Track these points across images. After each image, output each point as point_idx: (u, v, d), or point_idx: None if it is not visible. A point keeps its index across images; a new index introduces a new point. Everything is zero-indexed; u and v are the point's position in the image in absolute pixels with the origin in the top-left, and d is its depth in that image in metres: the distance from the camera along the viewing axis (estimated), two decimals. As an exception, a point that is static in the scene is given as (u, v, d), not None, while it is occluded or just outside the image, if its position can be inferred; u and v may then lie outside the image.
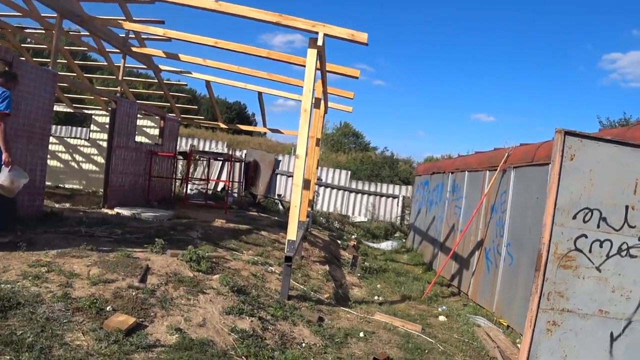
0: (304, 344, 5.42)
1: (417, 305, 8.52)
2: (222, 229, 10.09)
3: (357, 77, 8.77)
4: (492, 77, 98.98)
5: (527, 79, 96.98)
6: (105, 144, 15.60)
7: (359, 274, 10.20)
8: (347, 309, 7.34)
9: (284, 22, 6.69)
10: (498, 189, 8.90)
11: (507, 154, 8.64)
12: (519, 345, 6.47)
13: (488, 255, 8.99)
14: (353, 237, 16.62)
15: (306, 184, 10.14)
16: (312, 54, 6.79)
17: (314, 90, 6.92)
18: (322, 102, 10.21)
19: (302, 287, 7.76)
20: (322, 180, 20.44)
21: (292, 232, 6.78)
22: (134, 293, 5.10)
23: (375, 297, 8.62)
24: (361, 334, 6.23)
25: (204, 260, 6.65)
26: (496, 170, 8.87)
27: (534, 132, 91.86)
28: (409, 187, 21.52)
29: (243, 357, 4.51)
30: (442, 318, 7.84)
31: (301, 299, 7.09)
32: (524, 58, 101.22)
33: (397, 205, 20.96)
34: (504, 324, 7.65)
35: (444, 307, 8.51)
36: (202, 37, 9.12)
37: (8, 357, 3.50)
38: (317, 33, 6.69)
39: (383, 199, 21.03)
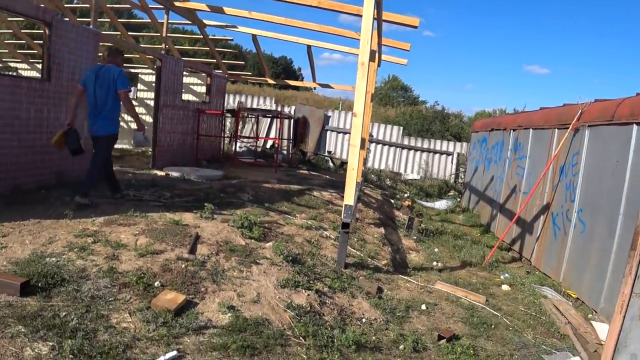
0: (364, 319, 5.01)
1: (478, 272, 8.03)
2: (273, 189, 9.72)
3: (416, 27, 8.03)
4: (547, 26, 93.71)
5: (584, 28, 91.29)
6: (152, 103, 15.45)
7: (415, 237, 9.73)
8: (406, 277, 6.91)
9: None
10: (569, 149, 8.13)
11: (580, 111, 7.80)
12: (592, 321, 5.89)
13: (555, 220, 8.32)
14: (406, 195, 16.04)
15: (362, 143, 9.60)
16: (369, 1, 6.14)
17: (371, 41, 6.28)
18: (377, 54, 9.51)
19: (358, 253, 7.34)
20: (373, 136, 19.76)
21: (350, 196, 6.29)
22: (183, 265, 4.77)
23: (434, 263, 8.18)
24: (423, 307, 5.78)
25: (256, 227, 6.28)
26: (567, 128, 8.09)
27: (591, 84, 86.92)
28: (464, 144, 20.57)
29: (301, 337, 4.12)
30: (505, 287, 7.32)
31: (358, 267, 6.69)
32: (581, 6, 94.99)
33: (451, 162, 20.12)
34: (573, 295, 7.04)
35: (506, 275, 7.99)
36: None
37: (51, 344, 3.21)
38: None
39: (436, 155, 20.21)
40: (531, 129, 10.13)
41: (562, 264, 7.67)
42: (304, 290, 5.00)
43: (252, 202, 8.18)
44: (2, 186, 6.87)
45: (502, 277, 7.88)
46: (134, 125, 16.18)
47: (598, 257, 6.58)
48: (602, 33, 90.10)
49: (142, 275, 4.37)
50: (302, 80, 60.44)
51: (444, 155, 20.17)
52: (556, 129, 8.77)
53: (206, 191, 8.41)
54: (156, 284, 4.32)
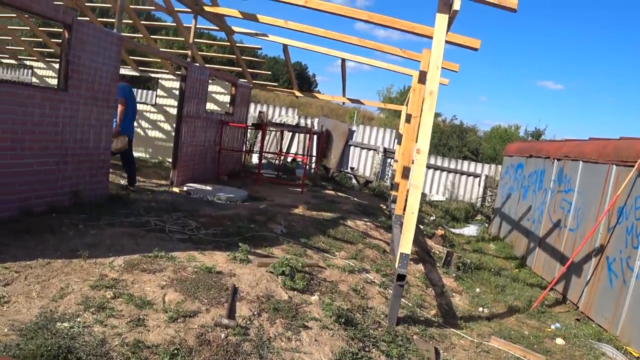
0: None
1: (527, 320, 7.28)
2: (304, 218, 8.85)
3: (477, 49, 7.16)
4: (561, 43, 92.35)
5: (599, 45, 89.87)
6: (172, 110, 14.63)
7: (454, 275, 8.95)
8: (457, 331, 6.12)
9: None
10: (631, 190, 7.25)
11: (647, 149, 6.93)
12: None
13: (611, 266, 7.45)
14: (432, 218, 15.18)
15: (405, 173, 8.75)
16: (442, 20, 5.28)
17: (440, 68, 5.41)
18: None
19: (406, 302, 6.48)
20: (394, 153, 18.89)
21: (407, 245, 5.41)
22: (223, 335, 3.89)
23: (480, 309, 7.45)
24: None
25: (299, 274, 5.41)
26: (627, 166, 7.27)
27: (605, 104, 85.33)
28: (492, 166, 19.66)
29: None
30: (559, 341, 6.56)
31: (409, 321, 5.84)
32: (599, 21, 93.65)
33: (479, 185, 19.19)
34: (634, 354, 6.24)
35: (557, 325, 7.24)
36: (291, -5, 7.70)
37: None
38: (452, -6, 5.15)
39: (463, 177, 19.27)
40: (581, 161, 9.26)
41: (620, 317, 6.84)
42: (363, 366, 4.12)
43: (286, 236, 7.32)
44: (11, 209, 6.04)
45: (552, 326, 7.16)
46: (140, 131, 15.43)
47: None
48: (617, 50, 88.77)
49: (176, 351, 3.50)
50: (316, 87, 59.87)
51: (471, 177, 19.25)
52: (614, 165, 7.91)
53: (233, 219, 7.57)
54: (193, 365, 3.45)
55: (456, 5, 5.08)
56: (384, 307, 5.85)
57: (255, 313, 4.43)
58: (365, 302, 5.80)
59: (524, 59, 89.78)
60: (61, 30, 6.92)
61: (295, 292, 5.18)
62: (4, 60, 16.25)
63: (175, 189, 9.86)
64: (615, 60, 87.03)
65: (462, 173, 19.28)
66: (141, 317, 3.92)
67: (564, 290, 8.74)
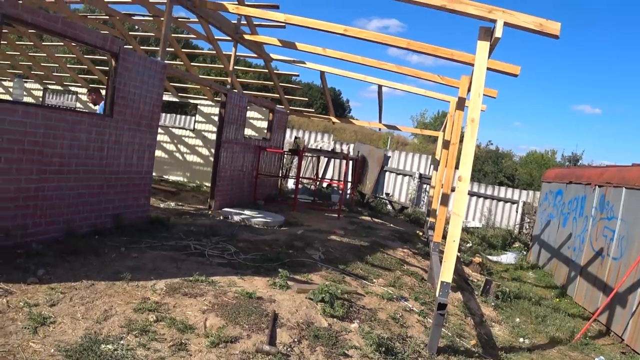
0: None
1: (570, 352, 7.01)
2: (341, 244, 8.82)
3: (517, 75, 7.09)
4: (596, 66, 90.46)
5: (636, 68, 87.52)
6: (210, 136, 14.88)
7: (493, 304, 8.73)
8: (500, 364, 5.91)
9: (450, 6, 5.19)
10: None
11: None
12: None
13: (658, 297, 7.16)
14: (469, 245, 14.90)
15: (444, 199, 8.67)
16: (483, 47, 5.26)
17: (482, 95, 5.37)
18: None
19: (446, 332, 6.34)
20: (431, 179, 18.75)
21: (448, 273, 5.33)
22: (264, 362, 3.87)
23: (521, 340, 7.22)
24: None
25: (338, 301, 5.37)
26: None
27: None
28: (529, 193, 19.29)
29: None
30: None
31: (449, 351, 5.70)
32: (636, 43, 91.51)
33: (516, 211, 18.83)
34: None
35: (601, 358, 6.94)
36: (329, 23, 7.78)
37: None
38: (493, 21, 5.13)
39: (500, 203, 18.95)
40: (624, 188, 8.98)
41: (667, 349, 6.52)
42: (406, 400, 4.03)
43: (324, 262, 7.29)
44: (56, 230, 6.20)
45: (596, 359, 6.87)
46: (179, 156, 15.70)
47: None
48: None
49: (218, 377, 3.49)
50: (350, 112, 60.11)
51: (509, 204, 18.91)
52: (660, 192, 7.66)
53: (272, 245, 7.60)
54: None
55: (498, 33, 5.06)
56: (423, 336, 5.74)
57: (296, 340, 4.40)
58: (404, 331, 5.70)
59: (559, 82, 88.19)
60: (106, 58, 7.15)
61: (335, 319, 5.13)
62: (50, 86, 16.85)
63: (213, 213, 9.96)
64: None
65: (498, 199, 18.97)
66: (183, 341, 3.94)
67: (608, 321, 8.42)
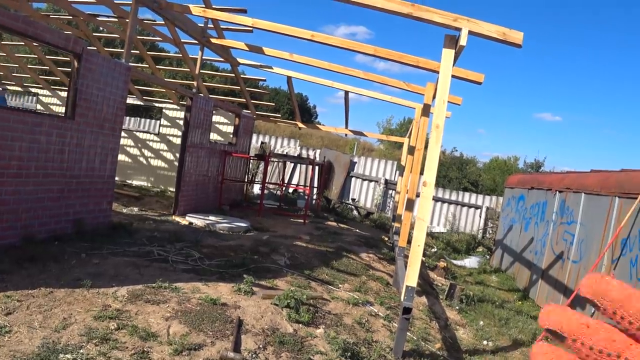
0: None
1: (532, 355, 7.10)
2: (307, 249, 8.81)
3: (481, 83, 7.23)
4: (557, 74, 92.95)
5: (599, 76, 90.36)
6: (175, 140, 14.68)
7: (457, 307, 8.86)
8: (465, 368, 5.98)
9: (416, 14, 5.25)
10: (634, 221, 7.23)
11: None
12: None
13: (614, 298, 7.34)
14: (434, 250, 15.09)
15: (409, 205, 8.76)
16: (448, 55, 5.34)
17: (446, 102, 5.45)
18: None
19: (411, 335, 6.39)
20: (396, 185, 18.92)
21: (413, 278, 5.37)
22: (228, 369, 3.82)
23: (484, 342, 7.32)
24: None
25: (303, 307, 5.35)
26: (630, 198, 7.28)
27: (600, 134, 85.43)
28: (493, 198, 19.65)
29: None
30: None
31: (414, 355, 5.75)
32: (598, 52, 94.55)
33: (480, 217, 19.16)
34: None
35: None
36: (297, 28, 7.78)
37: None
38: (459, 29, 5.21)
39: (464, 209, 19.25)
40: (583, 193, 9.25)
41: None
42: (372, 405, 4.04)
43: (290, 268, 7.26)
44: (13, 235, 6.01)
45: None
46: (143, 160, 15.45)
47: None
48: (616, 82, 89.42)
49: (180, 386, 3.43)
50: (316, 118, 60.22)
51: (472, 209, 19.22)
52: (617, 197, 7.89)
53: (236, 250, 7.53)
54: (198, 401, 3.38)
55: (462, 41, 5.14)
56: (389, 341, 5.77)
57: (261, 346, 4.36)
58: (370, 336, 5.72)
59: (521, 91, 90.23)
60: (68, 59, 6.99)
61: (300, 324, 5.11)
62: (10, 87, 16.38)
63: (178, 219, 9.82)
64: (613, 92, 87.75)
65: (463, 205, 19.26)
66: (145, 349, 3.86)
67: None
